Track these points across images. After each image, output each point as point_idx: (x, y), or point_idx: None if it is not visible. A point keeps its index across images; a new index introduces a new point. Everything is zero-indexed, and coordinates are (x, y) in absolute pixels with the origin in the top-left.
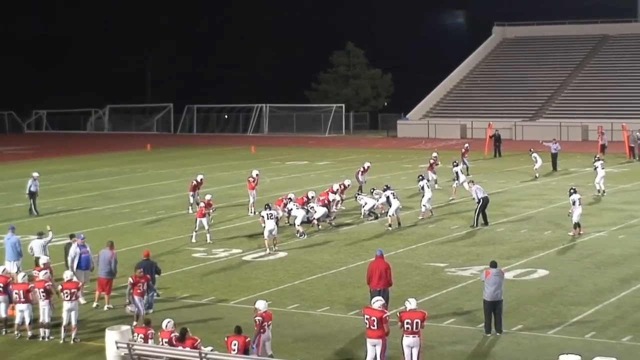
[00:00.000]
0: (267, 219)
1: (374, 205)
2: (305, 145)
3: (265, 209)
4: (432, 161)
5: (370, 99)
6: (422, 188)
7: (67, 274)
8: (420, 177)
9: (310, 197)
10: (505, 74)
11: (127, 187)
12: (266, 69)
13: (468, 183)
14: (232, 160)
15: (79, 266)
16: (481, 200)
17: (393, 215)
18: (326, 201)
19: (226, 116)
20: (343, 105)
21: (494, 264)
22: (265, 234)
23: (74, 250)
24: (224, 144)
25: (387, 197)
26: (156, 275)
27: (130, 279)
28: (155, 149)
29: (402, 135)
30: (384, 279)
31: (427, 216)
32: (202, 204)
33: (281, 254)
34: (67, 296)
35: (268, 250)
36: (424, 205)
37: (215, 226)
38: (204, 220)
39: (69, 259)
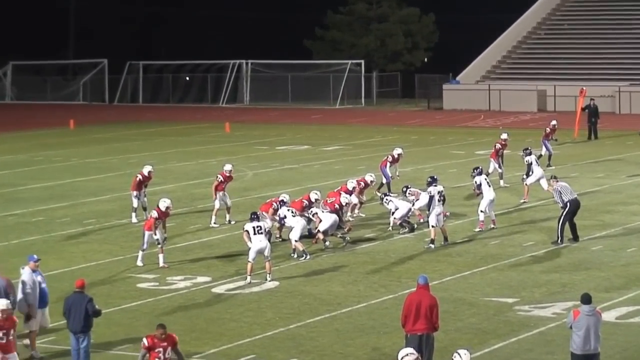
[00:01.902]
0: (254, 233)
1: (408, 211)
2: (305, 121)
3: (252, 219)
4: (498, 146)
5: (403, 52)
6: (479, 186)
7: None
8: (477, 171)
9: (313, 199)
10: (603, 15)
11: (40, 184)
12: (248, 6)
13: (548, 180)
14: (196, 144)
15: (41, 301)
16: (568, 204)
17: (436, 225)
18: (337, 205)
19: (187, 78)
20: (362, 62)
21: (586, 300)
22: (251, 255)
23: (29, 277)
24: (184, 120)
25: (431, 198)
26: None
27: (145, 341)
28: (82, 127)
29: (449, 107)
30: (427, 320)
31: (487, 227)
32: (154, 213)
33: (270, 284)
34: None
35: (249, 280)
36: (481, 212)
37: (172, 241)
38: (157, 235)
39: (20, 291)
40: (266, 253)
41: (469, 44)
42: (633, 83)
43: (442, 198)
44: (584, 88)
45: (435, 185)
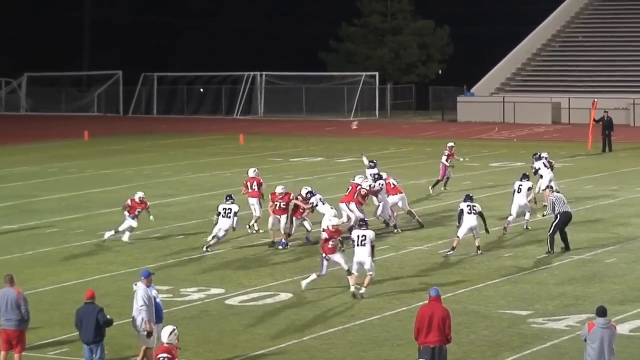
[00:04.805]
0: (223, 216)
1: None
2: (319, 133)
3: (225, 201)
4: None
5: (418, 64)
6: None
7: None
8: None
9: (304, 194)
10: (618, 27)
11: (54, 196)
12: (263, 18)
13: (544, 190)
14: (210, 155)
15: (157, 316)
16: (559, 215)
17: (460, 237)
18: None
19: (202, 90)
20: (376, 73)
21: (601, 312)
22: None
23: (143, 293)
24: (198, 132)
25: (461, 211)
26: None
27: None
28: (96, 139)
29: (464, 119)
30: (440, 332)
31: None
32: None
33: (283, 296)
34: None
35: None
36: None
37: (186, 253)
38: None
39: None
40: (221, 234)
41: (483, 56)
42: None
43: (472, 212)
44: (596, 100)
45: (465, 201)
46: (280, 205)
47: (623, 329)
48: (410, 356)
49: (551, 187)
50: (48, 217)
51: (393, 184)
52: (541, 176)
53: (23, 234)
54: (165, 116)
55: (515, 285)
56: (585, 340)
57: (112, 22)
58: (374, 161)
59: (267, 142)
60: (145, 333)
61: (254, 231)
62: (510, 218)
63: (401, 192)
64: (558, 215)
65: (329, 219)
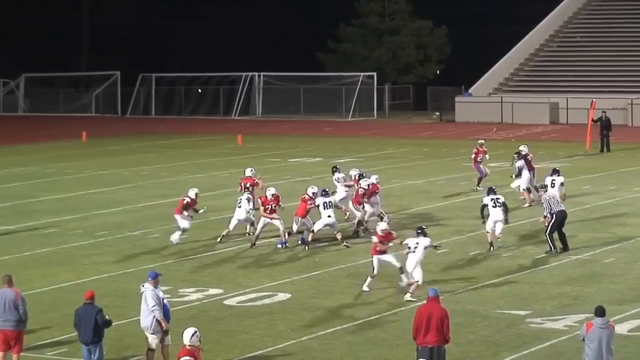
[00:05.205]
0: (324, 208)
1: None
2: (317, 133)
3: (322, 195)
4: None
5: (416, 65)
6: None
7: None
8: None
9: (311, 193)
10: (616, 27)
11: (52, 196)
12: (260, 19)
13: (537, 188)
14: (208, 156)
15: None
16: (555, 215)
17: (490, 231)
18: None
19: (200, 90)
20: (374, 74)
21: (600, 312)
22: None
23: (152, 293)
24: (196, 132)
25: (484, 206)
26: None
27: None
28: (94, 139)
29: (462, 120)
30: (439, 332)
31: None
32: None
33: (282, 296)
34: None
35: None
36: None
37: (184, 253)
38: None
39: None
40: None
41: (481, 56)
42: None
43: (497, 205)
44: (594, 100)
45: (489, 194)
46: (272, 207)
47: (621, 329)
48: (409, 356)
49: (544, 186)
50: (46, 218)
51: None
52: (521, 175)
53: (21, 235)
54: (163, 117)
55: (513, 286)
56: (583, 340)
57: (110, 23)
58: (337, 166)
59: (265, 142)
60: (159, 333)
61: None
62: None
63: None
64: (554, 215)
65: (378, 225)
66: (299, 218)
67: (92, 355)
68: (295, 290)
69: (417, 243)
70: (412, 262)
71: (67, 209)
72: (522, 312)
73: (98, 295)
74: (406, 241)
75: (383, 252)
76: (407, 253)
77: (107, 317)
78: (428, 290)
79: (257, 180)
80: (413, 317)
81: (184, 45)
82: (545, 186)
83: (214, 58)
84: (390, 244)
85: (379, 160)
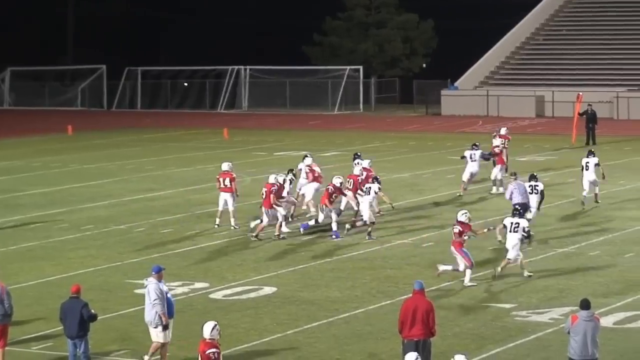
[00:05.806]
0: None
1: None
2: (303, 127)
3: (513, 215)
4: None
5: (402, 58)
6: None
7: None
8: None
9: (338, 184)
10: (602, 20)
11: (38, 190)
12: (246, 12)
13: (508, 176)
14: (194, 149)
15: (168, 311)
16: (517, 206)
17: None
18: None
19: (185, 84)
20: (360, 67)
21: (585, 305)
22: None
23: (155, 287)
24: (182, 126)
25: (511, 193)
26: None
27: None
28: (80, 133)
29: (448, 113)
30: (424, 325)
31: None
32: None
33: (267, 289)
34: None
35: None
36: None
37: (169, 247)
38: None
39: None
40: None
41: (467, 49)
42: (631, 89)
43: (534, 191)
44: (581, 93)
45: (530, 180)
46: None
47: (607, 321)
48: (394, 350)
49: (514, 174)
50: (32, 212)
51: (318, 172)
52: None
53: (7, 229)
54: (149, 110)
55: (499, 279)
56: (568, 332)
57: (95, 17)
58: (293, 169)
59: (251, 136)
60: (161, 327)
61: (221, 225)
62: (584, 193)
63: (320, 183)
64: (515, 207)
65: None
66: (324, 207)
67: (78, 349)
68: (281, 284)
69: (517, 224)
70: (512, 242)
71: (53, 203)
72: (507, 306)
73: (83, 289)
74: (505, 221)
75: (461, 245)
76: (507, 232)
77: (92, 311)
78: (414, 283)
79: (234, 175)
80: (399, 310)
81: (170, 38)
82: (515, 174)
83: (199, 51)
84: (466, 237)
85: (365, 154)
